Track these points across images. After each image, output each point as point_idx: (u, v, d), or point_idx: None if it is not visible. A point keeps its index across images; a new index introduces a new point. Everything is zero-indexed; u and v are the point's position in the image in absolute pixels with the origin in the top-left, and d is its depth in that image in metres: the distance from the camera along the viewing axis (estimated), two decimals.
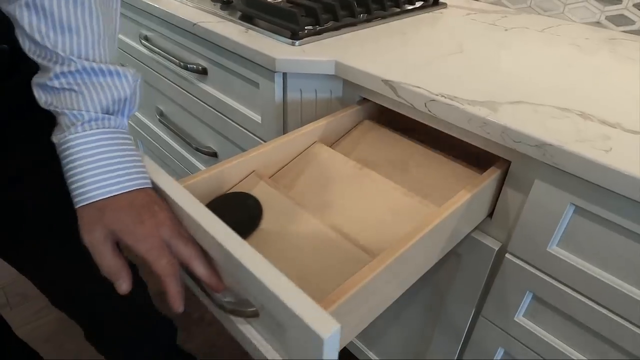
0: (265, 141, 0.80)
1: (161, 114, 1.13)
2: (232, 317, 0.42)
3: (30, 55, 0.40)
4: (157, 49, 0.95)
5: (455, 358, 0.72)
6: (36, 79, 0.40)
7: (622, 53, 0.72)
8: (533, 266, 0.55)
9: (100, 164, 0.39)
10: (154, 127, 1.20)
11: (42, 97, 0.40)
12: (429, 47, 0.71)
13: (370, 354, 0.92)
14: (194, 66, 0.87)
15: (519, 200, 0.54)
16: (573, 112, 0.52)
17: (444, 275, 0.68)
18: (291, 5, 0.78)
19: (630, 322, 0.49)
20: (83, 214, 0.39)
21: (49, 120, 0.41)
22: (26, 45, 0.40)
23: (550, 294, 0.55)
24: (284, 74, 0.70)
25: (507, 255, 0.57)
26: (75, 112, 0.39)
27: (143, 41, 1.00)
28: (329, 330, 0.28)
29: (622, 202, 0.45)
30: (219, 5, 0.87)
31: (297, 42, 0.69)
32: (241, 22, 0.79)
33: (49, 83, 0.39)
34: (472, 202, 0.51)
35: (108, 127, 0.40)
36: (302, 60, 0.65)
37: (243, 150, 0.88)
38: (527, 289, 0.57)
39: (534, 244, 0.53)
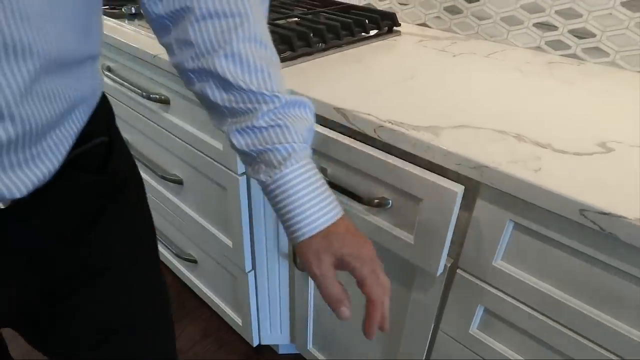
0: (228, 169, 0.81)
1: (127, 143, 1.13)
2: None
3: (225, 103, 0.41)
4: (120, 80, 0.96)
5: None
6: (234, 126, 0.42)
7: (559, 76, 0.78)
8: (482, 280, 0.58)
9: (315, 194, 0.41)
10: None
11: (242, 141, 0.42)
12: (381, 74, 0.74)
13: None
14: (157, 96, 0.88)
15: (464, 218, 0.57)
16: (510, 134, 0.56)
17: (403, 289, 0.70)
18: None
19: (573, 331, 0.52)
20: (311, 244, 0.41)
21: (115, 225, 0.44)
22: (221, 96, 0.41)
23: (499, 307, 0.57)
24: None
25: (458, 271, 0.60)
26: (286, 145, 0.40)
27: (106, 72, 1.01)
28: None
29: (554, 218, 0.48)
30: None
31: None
32: None
33: (255, 124, 0.41)
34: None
35: (310, 157, 0.42)
36: None
37: (209, 177, 0.89)
38: (479, 302, 0.60)
39: (480, 259, 0.56)
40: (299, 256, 0.42)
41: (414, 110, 0.61)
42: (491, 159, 0.50)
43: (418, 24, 1.09)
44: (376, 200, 0.62)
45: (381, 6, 1.14)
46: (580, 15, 0.84)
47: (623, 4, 0.78)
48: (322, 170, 0.69)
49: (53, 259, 0.41)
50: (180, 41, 0.41)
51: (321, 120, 0.67)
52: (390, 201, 0.62)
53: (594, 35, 0.84)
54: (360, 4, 1.15)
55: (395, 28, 1.02)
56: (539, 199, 0.47)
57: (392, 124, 0.57)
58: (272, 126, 0.41)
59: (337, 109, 0.62)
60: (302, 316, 0.97)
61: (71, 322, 0.46)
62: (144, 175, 1.12)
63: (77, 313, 0.46)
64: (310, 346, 1.01)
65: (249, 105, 0.41)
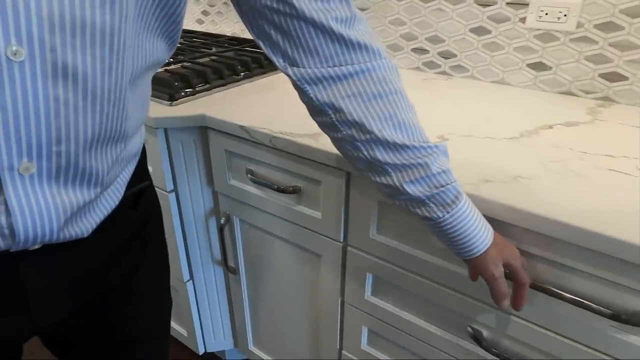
0: (160, 189, 0.92)
1: None
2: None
3: (394, 161, 0.48)
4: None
5: (337, 346, 0.86)
6: (407, 178, 0.48)
7: (426, 88, 0.96)
8: (366, 252, 0.72)
9: (478, 218, 0.50)
10: None
11: (416, 190, 0.49)
12: (281, 97, 0.89)
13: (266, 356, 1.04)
14: None
15: (342, 202, 0.72)
16: None
17: (310, 271, 0.83)
18: (169, 74, 0.95)
19: (444, 286, 0.67)
20: (487, 256, 0.50)
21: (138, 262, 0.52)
22: (391, 157, 0.48)
23: (383, 273, 0.72)
24: (165, 130, 0.85)
25: (349, 248, 0.74)
26: (454, 184, 0.49)
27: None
28: None
29: None
30: None
31: (173, 103, 0.85)
32: None
33: (429, 173, 0.48)
34: None
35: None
36: (175, 116, 0.81)
37: None
38: (367, 271, 0.74)
39: (361, 234, 0.71)
40: (474, 267, 0.52)
41: (302, 123, 0.76)
42: None
43: None
44: (291, 188, 0.76)
45: None
46: (444, 41, 1.04)
47: (472, 30, 0.99)
48: (249, 171, 0.82)
49: (91, 282, 0.47)
50: (346, 122, 0.48)
51: (234, 133, 0.81)
52: (301, 187, 0.76)
53: (455, 56, 1.04)
54: None
55: None
56: None
57: (284, 134, 0.72)
58: (440, 172, 0.48)
59: (240, 126, 0.76)
60: (241, 319, 1.07)
61: (100, 336, 0.53)
62: None
63: (111, 327, 0.53)
64: (251, 346, 1.11)
65: (419, 160, 0.48)
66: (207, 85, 0.94)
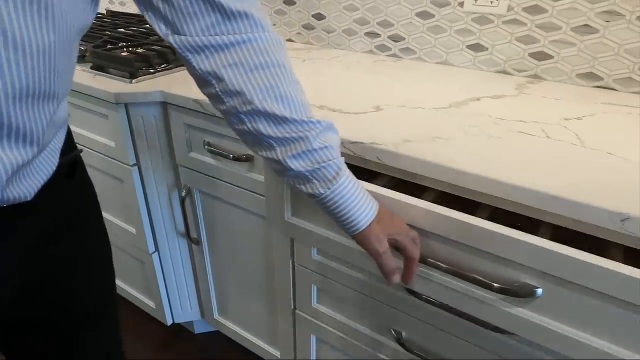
0: (123, 163, 0.97)
1: None
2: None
3: (277, 135, 0.49)
4: None
5: (291, 306, 0.93)
6: (287, 153, 0.50)
7: (375, 69, 1.03)
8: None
9: (361, 194, 0.51)
10: None
11: (299, 164, 0.50)
12: None
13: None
14: None
15: None
16: (315, 106, 0.78)
17: (264, 236, 0.90)
18: (132, 55, 1.00)
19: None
20: (371, 231, 0.51)
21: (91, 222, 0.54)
22: (274, 130, 0.49)
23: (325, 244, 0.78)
24: (126, 106, 0.90)
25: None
26: (335, 160, 0.50)
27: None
28: None
29: None
30: None
31: (133, 81, 0.90)
32: (91, 70, 0.98)
33: (309, 147, 0.49)
34: None
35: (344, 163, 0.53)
36: (135, 92, 0.86)
37: (104, 172, 1.04)
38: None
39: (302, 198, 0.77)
40: (360, 243, 0.53)
41: None
42: None
43: (285, 40, 1.33)
44: (244, 156, 0.82)
45: None
46: (393, 25, 1.11)
47: (417, 14, 1.06)
48: (207, 143, 0.87)
49: (36, 253, 0.48)
50: (228, 92, 0.49)
51: (190, 107, 0.87)
52: (253, 155, 0.82)
53: (404, 39, 1.11)
54: None
55: None
56: None
57: None
58: (322, 148, 0.49)
59: (194, 100, 0.82)
60: (206, 289, 1.13)
61: (51, 314, 0.54)
62: None
63: (56, 305, 0.54)
64: (216, 315, 1.17)
65: (300, 134, 0.49)
66: (168, 65, 0.99)
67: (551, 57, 0.94)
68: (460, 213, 0.53)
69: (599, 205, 0.49)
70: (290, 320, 0.93)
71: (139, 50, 1.05)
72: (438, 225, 0.54)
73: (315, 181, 0.50)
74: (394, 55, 1.15)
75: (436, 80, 0.95)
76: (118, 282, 1.30)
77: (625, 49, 0.86)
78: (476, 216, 0.53)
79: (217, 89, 0.49)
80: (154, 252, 1.09)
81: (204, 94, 0.52)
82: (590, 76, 0.92)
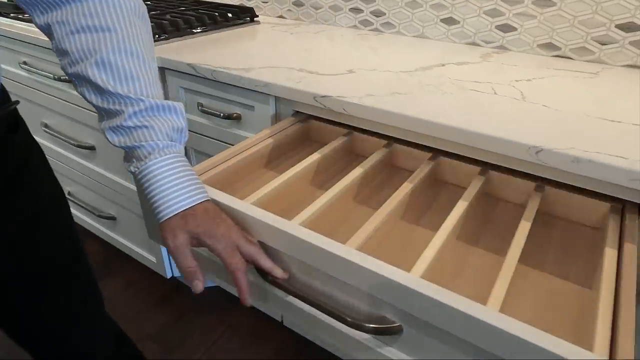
0: None
1: (46, 126, 1.36)
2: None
3: (99, 105, 0.47)
4: (35, 70, 1.20)
5: None
6: (107, 124, 0.48)
7: (356, 42, 1.12)
8: None
9: (178, 182, 0.47)
10: (43, 141, 1.42)
11: (115, 139, 0.48)
12: (234, 44, 1.05)
13: None
14: (65, 77, 1.13)
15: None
16: (295, 69, 0.88)
17: None
18: None
19: None
20: (169, 223, 0.46)
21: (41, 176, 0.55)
22: (95, 98, 0.47)
23: None
24: None
25: None
26: (151, 142, 0.47)
27: (22, 65, 1.24)
28: None
29: (309, 107, 0.80)
30: None
31: None
32: None
33: (123, 124, 0.47)
34: None
35: (175, 152, 0.48)
36: None
37: None
38: None
39: None
40: (161, 235, 0.48)
41: (241, 61, 0.92)
42: (275, 79, 0.81)
43: (277, 16, 1.42)
44: (234, 114, 0.92)
45: (248, 4, 1.46)
46: (374, 0, 1.20)
47: None
48: (199, 105, 0.97)
49: None
50: (59, 50, 0.47)
51: (184, 71, 0.97)
52: (241, 114, 0.92)
53: (384, 14, 1.20)
54: (233, 2, 1.47)
55: (256, 19, 1.34)
56: (295, 96, 0.78)
57: (223, 68, 0.88)
58: (139, 127, 0.47)
59: (188, 64, 0.92)
60: None
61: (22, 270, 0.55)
62: (61, 151, 1.35)
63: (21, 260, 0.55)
64: None
65: (117, 107, 0.46)
66: (166, 36, 1.09)
67: (515, 29, 1.03)
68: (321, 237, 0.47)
69: (518, 141, 0.59)
70: None
71: None
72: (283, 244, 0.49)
73: (134, 159, 0.48)
74: (376, 29, 1.24)
75: (410, 51, 1.04)
76: (121, 239, 1.41)
77: (579, 21, 0.95)
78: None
79: (53, 47, 0.48)
80: None
81: (53, 49, 0.50)
82: (550, 46, 1.00)
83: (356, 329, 0.44)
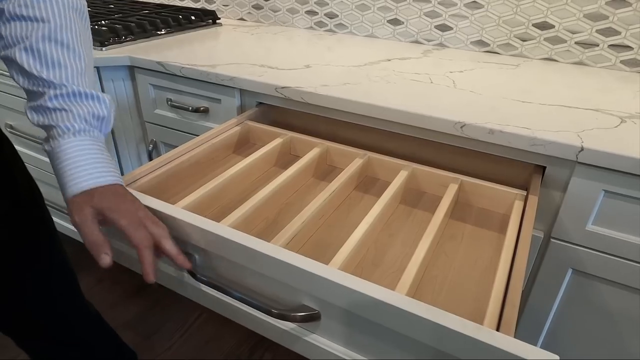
0: None
1: (11, 127, 1.38)
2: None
3: (25, 86, 0.50)
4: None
5: None
6: (30, 104, 0.50)
7: (311, 41, 1.23)
8: None
9: (89, 161, 0.48)
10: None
11: (35, 118, 0.50)
12: (198, 44, 1.13)
13: None
14: None
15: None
16: (257, 65, 0.97)
17: None
18: (102, 28, 1.15)
19: None
20: (75, 199, 0.47)
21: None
22: (21, 80, 0.50)
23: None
24: (99, 70, 1.06)
25: None
26: (67, 124, 0.49)
27: None
28: None
29: (277, 100, 0.90)
30: None
31: (103, 48, 1.07)
32: None
33: (43, 104, 0.49)
34: None
35: (92, 137, 0.50)
36: (106, 57, 1.03)
37: None
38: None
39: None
40: (67, 211, 0.48)
41: (207, 59, 1.01)
42: (239, 74, 0.90)
43: (238, 19, 1.51)
44: (202, 107, 1.00)
45: (210, 7, 1.54)
46: (327, 4, 1.31)
47: None
48: (169, 100, 1.05)
49: None
50: None
51: (153, 68, 1.04)
52: (208, 107, 1.00)
53: (337, 16, 1.31)
54: (195, 6, 1.54)
55: (217, 21, 1.42)
56: (258, 88, 0.88)
57: (191, 65, 0.96)
58: (58, 109, 0.49)
59: (157, 62, 0.99)
60: None
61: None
62: (27, 151, 1.38)
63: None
64: None
65: (40, 89, 0.49)
66: (132, 37, 1.15)
67: (451, 28, 1.17)
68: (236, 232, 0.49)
69: (447, 118, 0.71)
70: None
71: (104, 22, 1.21)
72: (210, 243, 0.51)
73: (50, 139, 0.50)
74: (330, 30, 1.35)
75: (361, 48, 1.16)
76: None
77: (503, 20, 1.10)
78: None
79: None
80: None
81: None
82: (481, 43, 1.15)
83: (265, 312, 0.46)
